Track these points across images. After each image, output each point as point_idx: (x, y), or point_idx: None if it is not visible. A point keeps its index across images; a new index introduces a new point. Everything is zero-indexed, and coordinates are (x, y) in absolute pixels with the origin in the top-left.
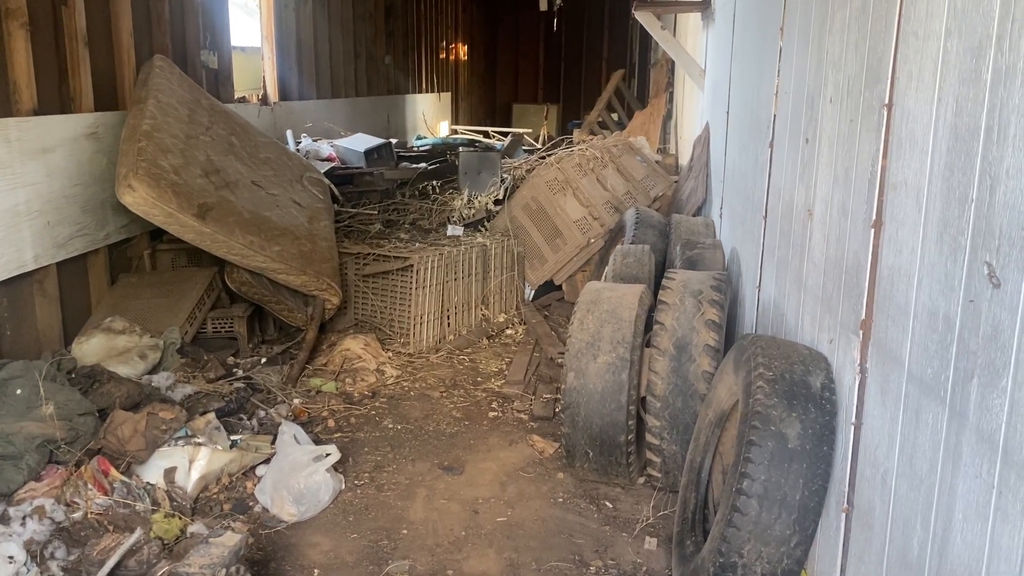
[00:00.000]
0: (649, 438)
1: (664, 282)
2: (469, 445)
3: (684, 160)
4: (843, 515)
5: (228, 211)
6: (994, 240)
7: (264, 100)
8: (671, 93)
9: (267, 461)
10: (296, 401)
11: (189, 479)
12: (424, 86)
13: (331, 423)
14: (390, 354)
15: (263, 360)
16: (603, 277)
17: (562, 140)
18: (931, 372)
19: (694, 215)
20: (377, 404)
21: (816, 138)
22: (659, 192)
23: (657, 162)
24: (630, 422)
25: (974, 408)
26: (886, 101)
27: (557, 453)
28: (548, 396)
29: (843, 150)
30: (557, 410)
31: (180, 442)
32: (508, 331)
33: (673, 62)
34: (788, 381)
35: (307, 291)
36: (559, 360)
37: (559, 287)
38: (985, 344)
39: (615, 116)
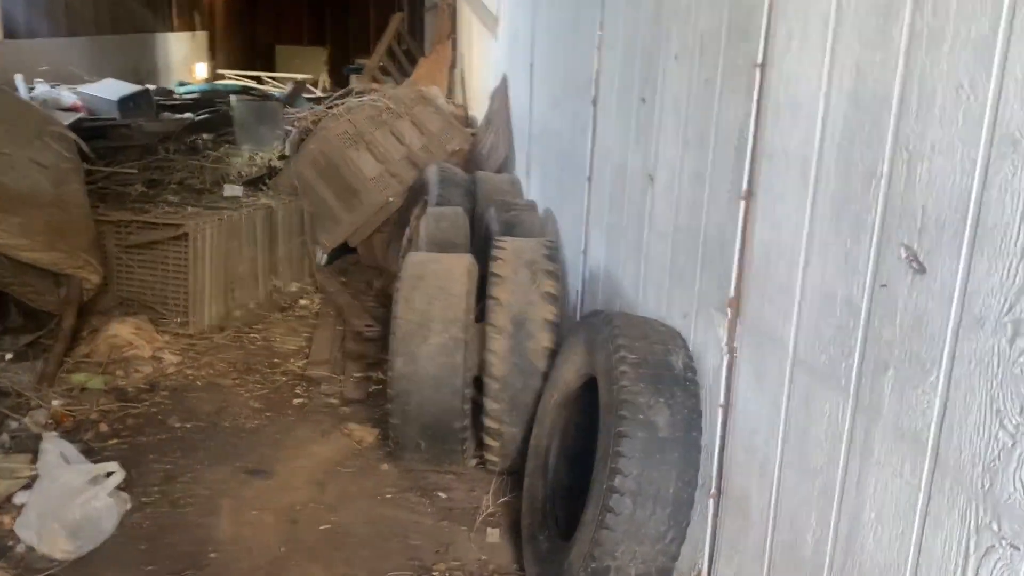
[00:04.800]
0: (487, 422)
1: (493, 251)
2: (275, 441)
3: (474, 112)
4: (711, 501)
5: None
6: (915, 222)
7: None
8: (455, 40)
9: (28, 486)
10: (56, 403)
11: None
12: (176, 24)
13: (104, 427)
14: (167, 337)
15: (7, 356)
16: (406, 240)
17: (350, 90)
18: (827, 359)
19: (497, 172)
20: (158, 399)
21: (657, 99)
22: (456, 146)
23: (452, 114)
24: (466, 406)
25: (889, 402)
26: (758, 60)
27: (377, 441)
28: (359, 375)
29: (696, 113)
30: (371, 391)
31: None
32: (303, 301)
33: (454, 6)
34: (652, 364)
35: (60, 270)
36: (367, 333)
37: (354, 250)
38: (905, 335)
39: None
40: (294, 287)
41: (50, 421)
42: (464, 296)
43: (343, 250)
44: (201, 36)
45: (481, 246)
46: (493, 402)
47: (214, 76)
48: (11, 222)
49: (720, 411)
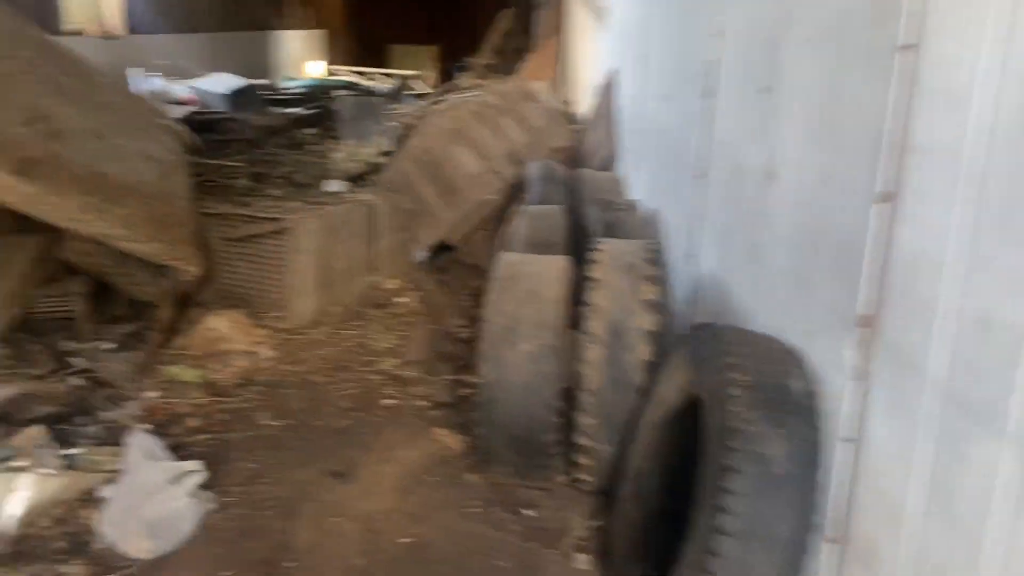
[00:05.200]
0: (579, 438)
1: (592, 254)
2: (363, 443)
3: (581, 108)
4: (830, 548)
5: (58, 166)
6: None
7: (107, 33)
8: (563, 36)
9: (114, 480)
10: (151, 395)
11: (9, 516)
12: (293, 22)
13: (194, 422)
14: (264, 331)
15: (109, 346)
16: (508, 241)
17: (455, 85)
18: (984, 396)
19: (600, 169)
20: (250, 394)
21: (781, 87)
22: (560, 143)
23: (556, 110)
24: (556, 419)
25: None
26: (903, 42)
27: (465, 448)
28: (451, 377)
29: (826, 102)
30: (460, 394)
31: None
32: (400, 299)
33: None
34: (767, 388)
35: (160, 261)
36: (461, 334)
37: (455, 248)
38: None
39: (503, 59)
40: (392, 284)
41: (143, 413)
42: (557, 301)
43: (444, 248)
44: (317, 34)
45: (580, 247)
46: (586, 417)
47: (330, 72)
48: (115, 213)
49: (846, 446)
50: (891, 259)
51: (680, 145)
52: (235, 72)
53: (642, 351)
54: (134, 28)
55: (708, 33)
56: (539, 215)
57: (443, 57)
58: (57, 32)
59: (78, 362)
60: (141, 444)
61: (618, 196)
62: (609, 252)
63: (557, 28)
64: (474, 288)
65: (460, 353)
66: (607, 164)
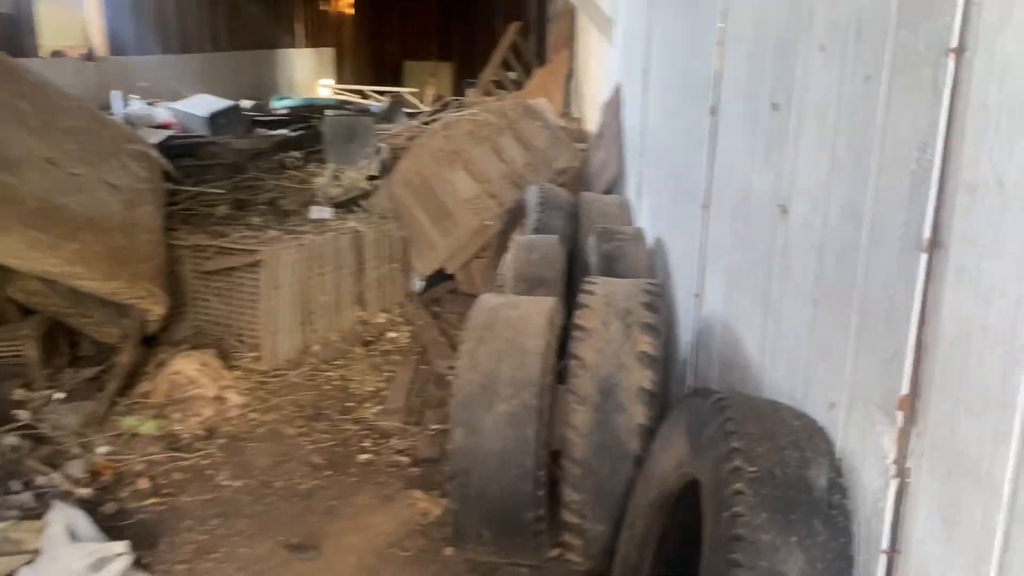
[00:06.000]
0: (566, 515)
1: (581, 296)
2: (330, 508)
3: (590, 126)
4: None
5: (5, 199)
6: None
7: (88, 55)
8: (572, 49)
9: (33, 562)
10: (101, 451)
11: None
12: (301, 40)
13: (144, 483)
14: (237, 373)
15: (60, 396)
16: (498, 279)
17: (449, 102)
18: None
19: (606, 192)
20: (212, 448)
21: (792, 103)
22: (564, 164)
23: (562, 128)
24: (539, 492)
25: None
26: (953, 44)
27: (444, 515)
28: (436, 426)
29: (849, 123)
30: (446, 447)
31: None
32: (390, 334)
33: (574, 13)
34: (781, 481)
35: (121, 300)
36: (450, 377)
37: (452, 276)
38: None
39: (512, 75)
40: (382, 318)
41: (87, 474)
42: (541, 353)
43: (442, 277)
44: (327, 52)
45: (579, 283)
46: (573, 491)
47: (332, 92)
48: (68, 248)
49: (883, 558)
50: (938, 326)
51: (684, 168)
52: (236, 93)
53: (637, 413)
54: (118, 49)
55: (712, 40)
56: (532, 246)
57: (458, 74)
58: (34, 54)
59: (23, 415)
60: (65, 520)
61: (624, 223)
62: (601, 294)
63: (568, 41)
64: None
65: (448, 398)
66: (613, 187)
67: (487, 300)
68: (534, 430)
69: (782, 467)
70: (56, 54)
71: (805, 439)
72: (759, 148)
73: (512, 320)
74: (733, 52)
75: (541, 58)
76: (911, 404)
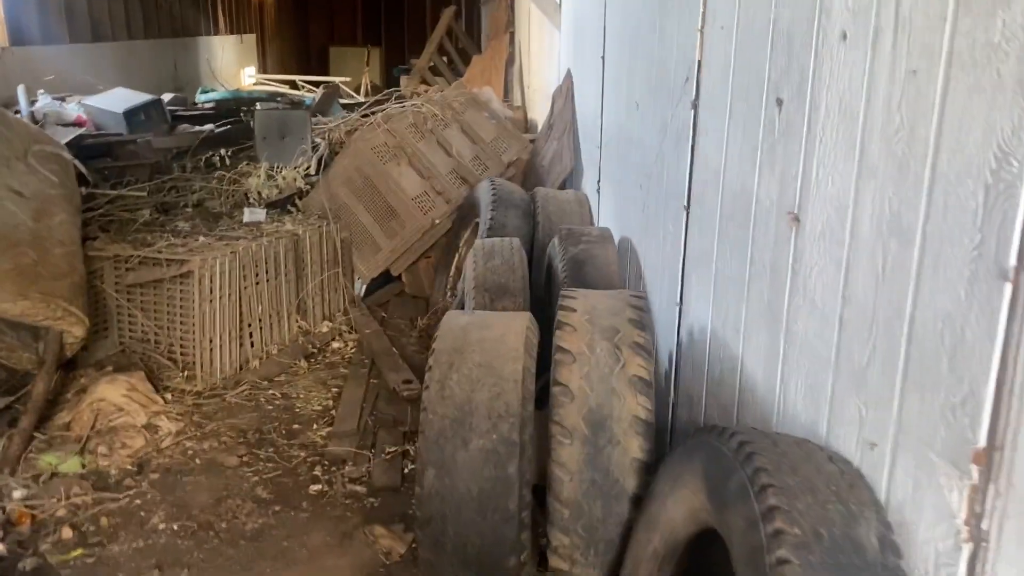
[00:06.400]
0: (555, 561)
1: (561, 314)
2: (282, 551)
3: (535, 115)
4: None
5: None
6: None
7: None
8: (512, 33)
9: None
10: (16, 496)
11: None
12: (222, 26)
13: (68, 532)
14: (169, 396)
15: None
16: (453, 270)
17: (391, 93)
18: None
19: (560, 187)
20: (144, 486)
21: (806, 100)
22: (513, 156)
23: (507, 118)
24: (523, 535)
25: None
26: None
27: (410, 552)
28: (392, 449)
29: (887, 123)
30: (407, 472)
31: None
32: (335, 344)
33: None
34: (829, 544)
35: (33, 321)
36: (404, 392)
37: (398, 277)
38: None
39: (446, 60)
40: (325, 327)
41: (5, 523)
42: (519, 379)
43: (386, 279)
44: (249, 39)
45: (542, 291)
46: (562, 535)
47: (257, 82)
48: None
49: None
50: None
51: (658, 166)
52: (154, 84)
53: (632, 447)
54: (20, 39)
55: (692, 25)
56: (492, 252)
57: (384, 59)
58: None
59: None
60: None
61: (584, 221)
62: (582, 310)
63: (507, 25)
64: (420, 328)
65: (403, 416)
66: (568, 181)
67: (454, 319)
68: (516, 468)
69: (828, 526)
70: None
71: (846, 488)
72: (758, 147)
73: (484, 342)
74: (719, 39)
75: (477, 43)
76: (989, 458)
